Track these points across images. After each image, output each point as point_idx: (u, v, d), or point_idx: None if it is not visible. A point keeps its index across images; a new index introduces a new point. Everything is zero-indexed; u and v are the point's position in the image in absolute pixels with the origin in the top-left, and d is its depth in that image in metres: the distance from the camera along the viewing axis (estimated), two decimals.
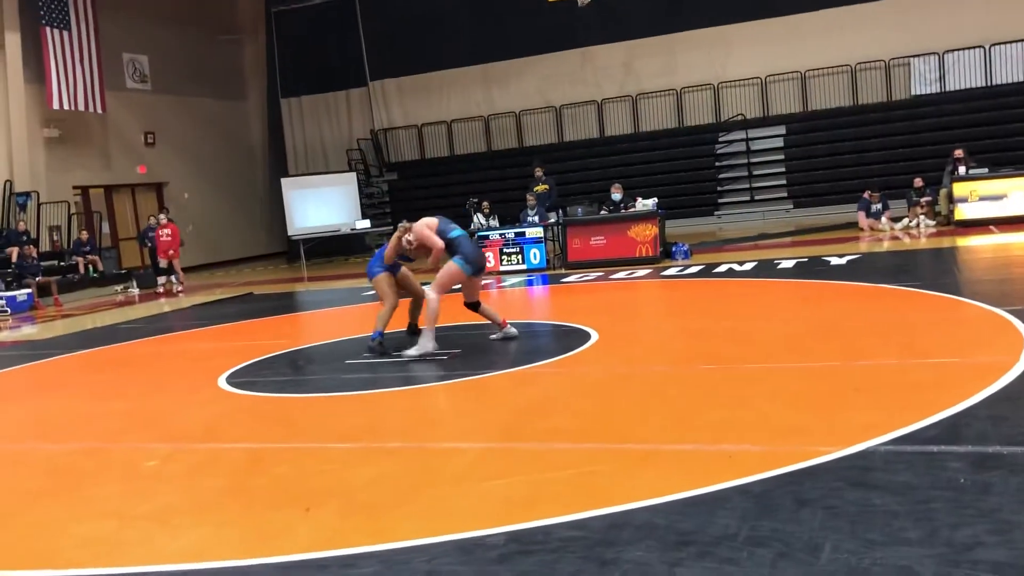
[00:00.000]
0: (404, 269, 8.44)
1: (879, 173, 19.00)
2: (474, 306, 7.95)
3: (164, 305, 15.59)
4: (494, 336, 8.02)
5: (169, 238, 18.89)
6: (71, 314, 15.40)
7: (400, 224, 8.06)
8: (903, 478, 3.77)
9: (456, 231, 7.79)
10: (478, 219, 15.74)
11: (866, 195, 15.88)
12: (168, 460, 5.25)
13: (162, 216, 19.64)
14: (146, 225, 20.79)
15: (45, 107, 19.69)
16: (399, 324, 8.68)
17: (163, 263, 18.88)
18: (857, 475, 3.85)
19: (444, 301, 7.74)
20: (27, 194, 19.25)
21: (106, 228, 22.00)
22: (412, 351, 7.55)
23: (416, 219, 8.26)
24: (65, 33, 19.87)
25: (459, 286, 7.91)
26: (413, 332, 8.48)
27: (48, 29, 19.48)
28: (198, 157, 24.53)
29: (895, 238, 14.50)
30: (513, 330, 7.99)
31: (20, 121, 19.29)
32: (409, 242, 7.87)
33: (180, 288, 18.48)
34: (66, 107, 19.87)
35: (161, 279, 18.96)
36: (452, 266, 7.63)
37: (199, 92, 24.65)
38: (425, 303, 7.81)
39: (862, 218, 15.87)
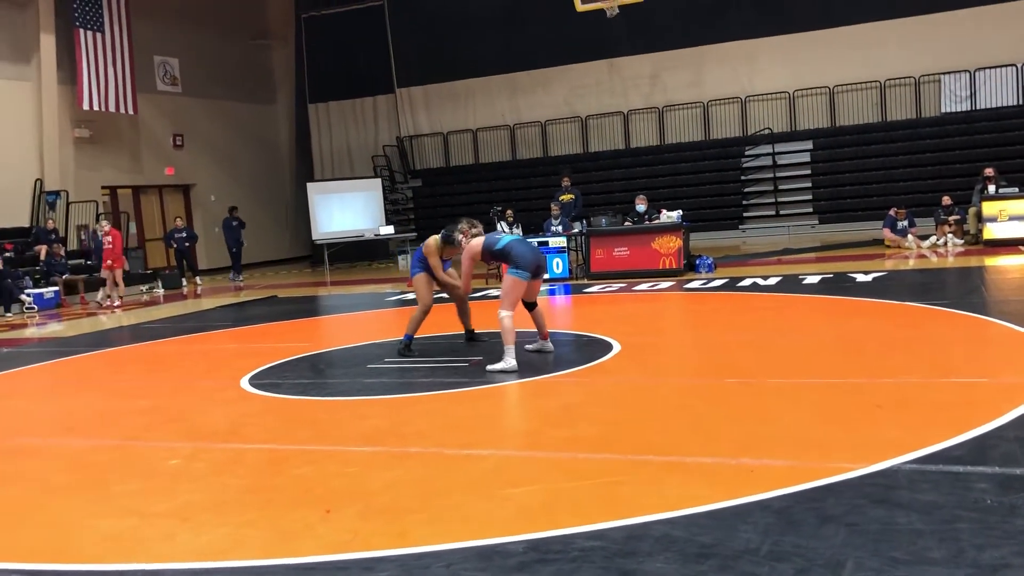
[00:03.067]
0: (450, 270, 8.36)
1: (906, 190, 18.87)
2: (530, 306, 7.72)
3: (189, 305, 15.71)
4: (529, 347, 7.76)
5: (111, 246, 16.48)
6: (97, 312, 15.56)
7: (456, 228, 7.95)
8: (928, 497, 3.72)
9: (503, 240, 7.57)
10: (502, 227, 15.75)
11: (892, 212, 15.77)
12: (190, 459, 5.28)
13: (104, 223, 17.50)
14: (172, 227, 20.99)
15: (76, 107, 19.95)
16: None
17: (104, 274, 16.54)
18: (881, 493, 3.81)
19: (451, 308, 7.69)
20: (56, 193, 19.50)
21: (133, 228, 22.23)
22: (495, 366, 7.18)
23: (441, 227, 8.28)
24: (98, 35, 20.13)
25: None
26: (471, 338, 8.53)
27: (82, 31, 19.76)
28: (226, 160, 24.75)
29: (921, 256, 14.38)
30: (550, 345, 7.78)
31: (52, 121, 19.55)
32: (459, 242, 7.88)
33: (117, 304, 16.15)
34: (97, 108, 20.12)
35: (99, 295, 16.85)
36: (509, 278, 7.40)
37: (228, 96, 24.87)
38: (497, 322, 7.42)
39: (888, 234, 15.77)
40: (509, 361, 7.14)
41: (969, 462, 4.11)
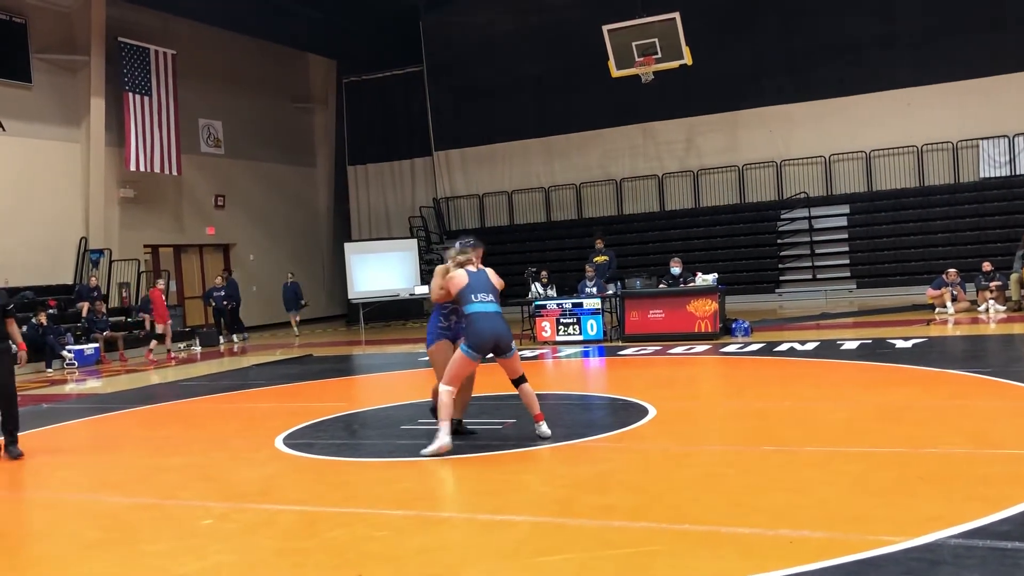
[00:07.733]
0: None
1: (945, 255, 18.68)
2: (516, 383, 6.92)
3: (225, 363, 15.84)
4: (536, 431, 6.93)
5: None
6: (135, 369, 15.74)
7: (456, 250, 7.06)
8: (974, 575, 3.61)
9: (473, 306, 6.71)
10: (536, 288, 15.78)
11: (945, 276, 15.62)
12: (223, 519, 5.28)
13: (159, 281, 19.20)
14: (211, 286, 21.29)
15: (123, 168, 20.46)
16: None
17: (160, 328, 18.08)
18: (924, 569, 3.71)
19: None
20: (100, 251, 19.91)
21: (173, 286, 22.58)
22: (427, 449, 6.58)
23: None
24: (146, 99, 20.74)
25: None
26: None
27: (130, 95, 20.37)
28: (265, 220, 25.19)
29: (957, 321, 14.19)
30: (546, 429, 6.84)
31: (99, 182, 20.05)
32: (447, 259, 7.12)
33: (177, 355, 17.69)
34: (143, 169, 20.64)
35: (176, 346, 17.78)
36: (458, 353, 6.72)
37: (270, 157, 25.43)
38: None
39: (930, 291, 15.63)
40: (442, 439, 6.52)
41: (1017, 538, 3.99)
